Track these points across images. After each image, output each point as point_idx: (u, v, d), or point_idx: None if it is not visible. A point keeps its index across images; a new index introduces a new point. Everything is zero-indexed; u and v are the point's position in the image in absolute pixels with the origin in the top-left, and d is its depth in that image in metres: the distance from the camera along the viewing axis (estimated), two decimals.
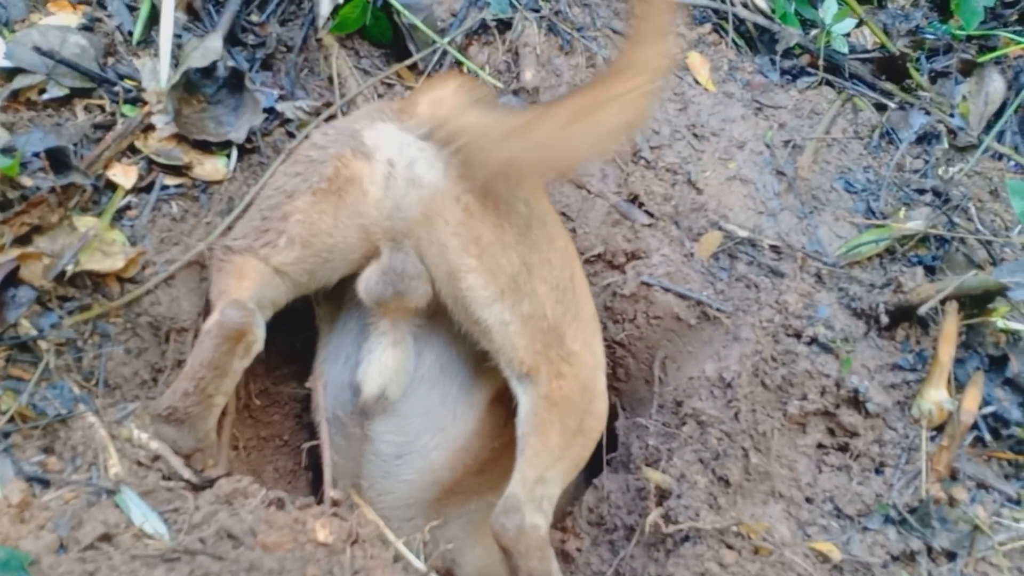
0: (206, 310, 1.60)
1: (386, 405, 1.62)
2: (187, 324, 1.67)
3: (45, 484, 1.36)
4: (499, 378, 1.60)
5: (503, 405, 1.63)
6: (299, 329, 1.89)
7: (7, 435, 1.38)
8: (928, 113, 2.37)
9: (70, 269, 1.50)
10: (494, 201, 1.49)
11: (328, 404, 1.68)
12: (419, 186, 1.50)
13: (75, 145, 1.74)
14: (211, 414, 1.48)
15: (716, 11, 2.43)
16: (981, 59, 2.55)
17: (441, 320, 1.61)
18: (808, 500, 1.73)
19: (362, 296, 1.56)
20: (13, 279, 1.45)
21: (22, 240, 1.48)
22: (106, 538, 1.30)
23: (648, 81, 1.37)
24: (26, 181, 1.55)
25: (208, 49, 1.90)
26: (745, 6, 2.45)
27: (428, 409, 1.62)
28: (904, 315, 1.82)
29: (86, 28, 1.95)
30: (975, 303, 1.79)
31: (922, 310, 1.74)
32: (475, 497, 1.71)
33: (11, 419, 1.39)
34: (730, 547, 1.58)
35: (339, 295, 1.70)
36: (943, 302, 1.75)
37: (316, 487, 1.98)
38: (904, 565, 1.62)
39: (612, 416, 2.00)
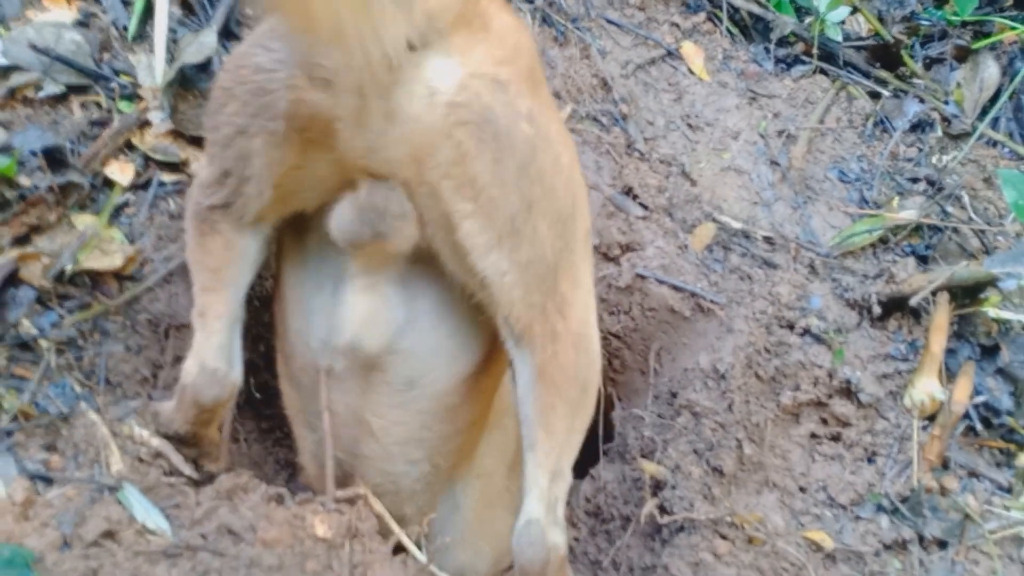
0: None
1: (372, 359, 1.42)
2: (185, 320, 1.68)
3: (48, 482, 1.38)
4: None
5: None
6: None
7: (10, 433, 1.40)
8: (922, 101, 2.38)
9: (69, 268, 1.52)
10: (492, 130, 1.20)
11: (305, 351, 1.47)
12: (401, 120, 1.18)
13: (72, 142, 1.75)
14: (209, 437, 1.49)
15: (711, 0, 2.43)
16: (976, 45, 2.56)
17: (431, 263, 1.37)
18: (802, 489, 1.75)
19: (333, 235, 1.30)
20: (13, 279, 1.46)
21: (21, 240, 1.49)
22: (109, 535, 1.32)
23: None
24: (24, 181, 1.57)
25: (203, 44, 1.91)
26: None
27: (436, 344, 1.45)
28: (896, 305, 1.84)
29: (81, 24, 1.95)
30: (967, 293, 1.81)
31: (913, 301, 1.76)
32: (476, 459, 1.64)
33: (14, 418, 1.41)
34: (724, 537, 1.60)
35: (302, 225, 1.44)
36: (934, 293, 1.77)
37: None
38: (896, 554, 1.64)
39: (608, 406, 2.02)
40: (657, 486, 1.71)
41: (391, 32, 1.10)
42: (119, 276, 1.62)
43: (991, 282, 1.75)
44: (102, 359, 1.55)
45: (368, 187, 1.25)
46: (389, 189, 1.25)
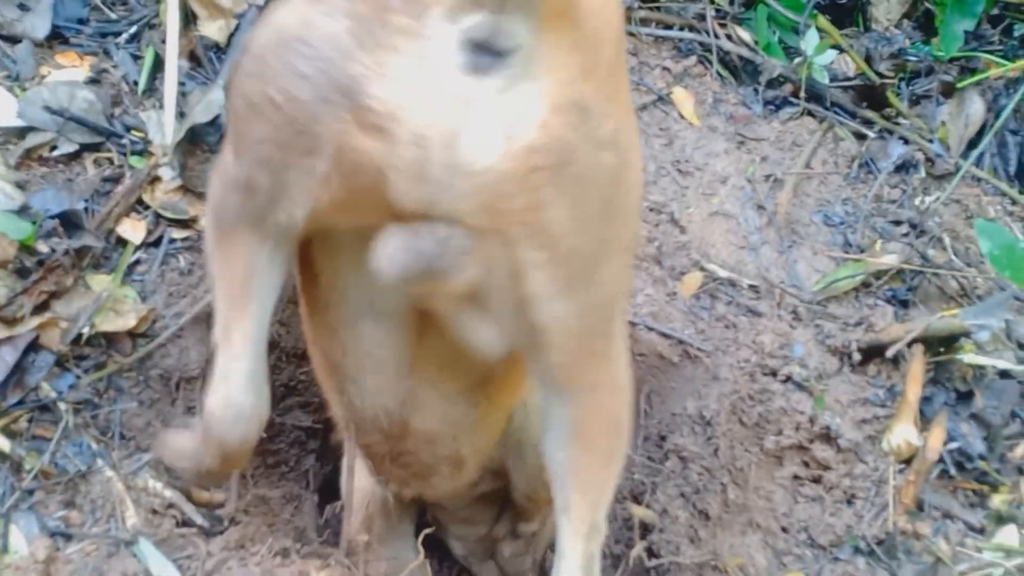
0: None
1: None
2: (195, 373, 1.78)
3: (67, 538, 1.47)
4: None
5: None
6: (304, 360, 1.99)
7: (31, 492, 1.49)
8: (907, 142, 2.44)
9: (86, 332, 1.60)
10: (574, 172, 1.02)
11: (354, 366, 1.37)
12: (469, 173, 0.98)
13: (86, 201, 1.83)
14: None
15: (701, 43, 2.50)
16: (961, 84, 2.62)
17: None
18: (784, 530, 1.83)
19: (377, 269, 1.07)
20: (33, 345, 1.55)
21: (40, 307, 1.58)
22: None
23: None
24: (41, 247, 1.65)
25: (211, 103, 1.99)
26: (729, 38, 2.53)
27: None
28: (876, 352, 1.92)
29: (93, 80, 2.04)
30: (942, 342, 1.89)
31: (889, 352, 1.84)
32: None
33: (35, 477, 1.50)
34: None
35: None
36: (910, 344, 1.85)
37: (321, 507, 2.09)
38: None
39: None
40: (646, 529, 1.80)
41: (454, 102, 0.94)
42: (132, 334, 1.71)
43: (964, 334, 1.83)
44: (116, 415, 1.64)
45: (424, 225, 1.03)
46: (447, 227, 1.03)
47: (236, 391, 1.20)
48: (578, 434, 1.25)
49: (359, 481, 1.71)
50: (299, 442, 2.23)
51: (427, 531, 1.66)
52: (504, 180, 0.98)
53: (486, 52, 0.94)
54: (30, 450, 1.51)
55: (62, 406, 1.56)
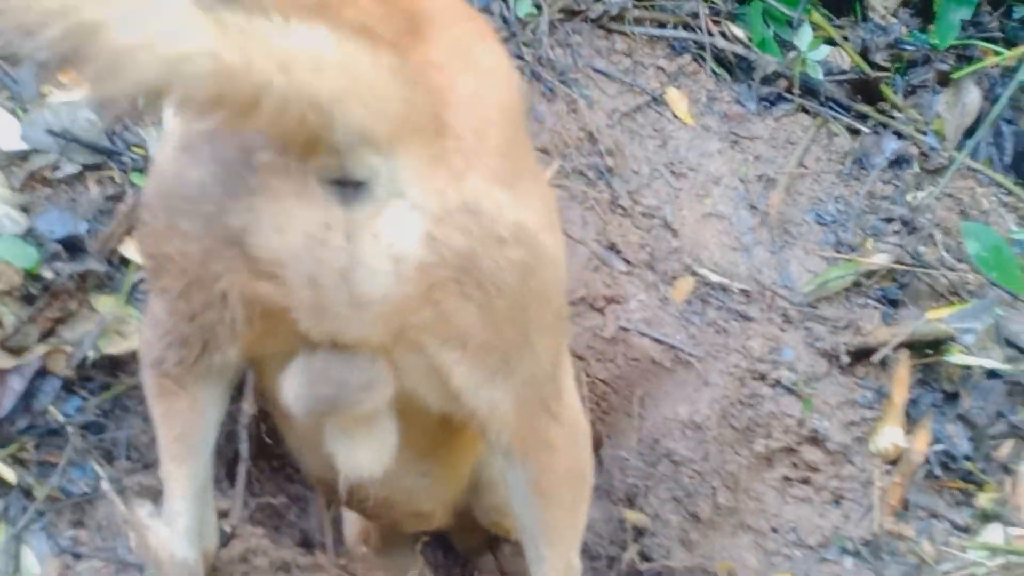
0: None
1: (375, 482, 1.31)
2: None
3: (77, 557, 1.54)
4: None
5: None
6: None
7: (42, 514, 1.56)
8: (901, 136, 2.46)
9: (91, 355, 1.66)
10: (475, 278, 1.01)
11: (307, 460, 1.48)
12: (368, 304, 0.97)
13: (89, 221, 1.88)
14: None
15: (696, 42, 2.52)
16: (958, 74, 2.63)
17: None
18: (774, 530, 1.88)
19: (288, 405, 1.08)
20: (41, 371, 1.61)
21: (46, 334, 1.63)
22: None
23: None
24: (46, 272, 1.70)
25: None
26: (723, 35, 2.54)
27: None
28: (864, 355, 1.95)
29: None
30: (929, 344, 1.92)
31: (875, 358, 1.88)
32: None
33: (45, 499, 1.56)
34: None
35: None
36: (896, 348, 1.88)
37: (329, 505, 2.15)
38: None
39: (597, 443, 2.15)
40: (638, 532, 1.85)
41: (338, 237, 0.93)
42: (136, 354, 1.76)
43: (950, 338, 1.86)
44: (123, 434, 1.70)
45: (324, 357, 1.04)
46: (349, 358, 1.04)
47: (179, 548, 1.25)
48: (540, 493, 1.27)
49: None
50: None
51: (425, 539, 1.72)
52: (405, 302, 0.98)
53: (347, 184, 0.92)
54: (39, 476, 1.57)
55: (69, 429, 1.62)
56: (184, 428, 1.22)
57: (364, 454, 1.17)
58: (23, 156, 1.94)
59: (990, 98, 2.66)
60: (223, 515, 1.84)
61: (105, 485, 1.59)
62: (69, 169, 1.96)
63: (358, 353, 1.03)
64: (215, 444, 1.27)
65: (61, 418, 1.62)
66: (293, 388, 1.06)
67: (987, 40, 2.72)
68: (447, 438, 1.43)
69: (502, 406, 1.14)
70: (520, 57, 2.33)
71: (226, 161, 0.94)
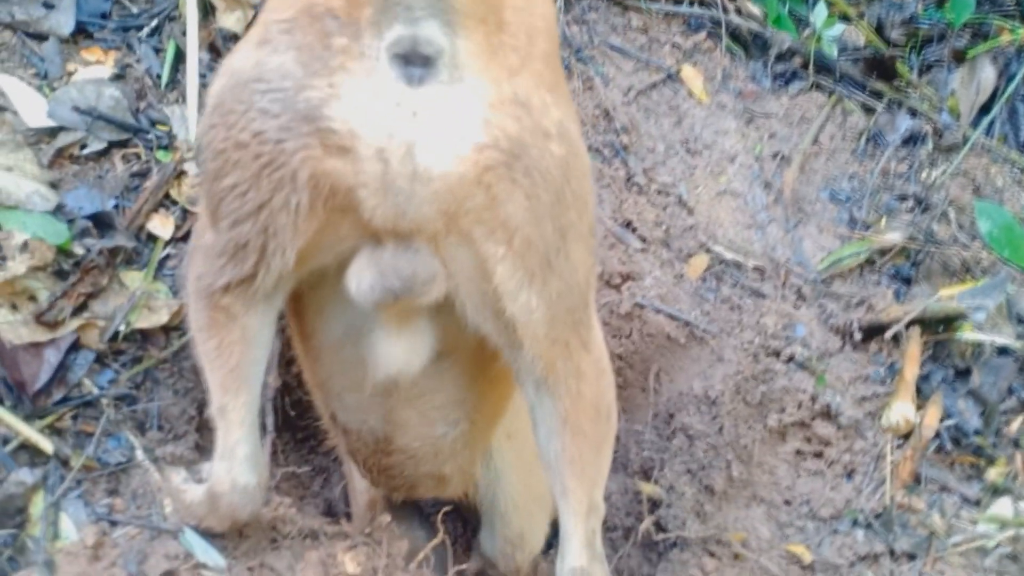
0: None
1: (402, 390, 1.43)
2: None
3: (113, 524, 1.59)
4: None
5: None
6: None
7: (80, 483, 1.61)
8: (915, 114, 2.47)
9: (122, 329, 1.70)
10: (523, 165, 1.09)
11: (339, 385, 1.50)
12: (428, 179, 1.06)
13: (116, 198, 1.92)
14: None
15: (711, 18, 2.53)
16: (972, 52, 2.64)
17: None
18: (787, 502, 1.93)
19: (354, 296, 1.18)
20: (75, 345, 1.65)
21: (79, 308, 1.67)
22: (170, 573, 1.52)
23: None
24: (77, 248, 1.74)
25: None
26: (739, 12, 2.55)
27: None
28: (876, 331, 1.99)
29: (118, 76, 2.11)
30: (941, 322, 1.95)
31: (888, 334, 1.91)
32: (507, 418, 1.64)
33: (80, 468, 1.61)
34: (712, 555, 1.79)
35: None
36: (908, 325, 1.92)
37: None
38: (869, 565, 1.82)
39: None
40: (654, 504, 1.90)
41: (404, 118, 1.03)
42: (165, 328, 1.80)
43: (960, 315, 1.89)
44: (154, 405, 1.75)
45: (392, 250, 1.13)
46: (415, 252, 1.14)
47: (241, 474, 1.34)
48: (566, 423, 1.31)
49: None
50: None
51: (446, 508, 1.77)
52: (461, 182, 1.07)
53: (415, 63, 1.02)
54: (75, 446, 1.62)
55: (103, 401, 1.67)
56: (238, 359, 1.28)
57: (402, 349, 1.28)
58: (51, 133, 1.97)
59: (1005, 75, 2.67)
60: None
61: (139, 454, 1.64)
62: (96, 147, 1.99)
63: (419, 247, 1.13)
64: (264, 375, 1.34)
65: (95, 390, 1.67)
66: (365, 279, 1.16)
67: (1003, 16, 2.72)
68: (478, 388, 1.49)
69: (537, 314, 1.20)
70: None
71: (305, 46, 1.04)
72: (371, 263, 1.15)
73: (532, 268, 1.16)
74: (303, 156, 1.06)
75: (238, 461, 1.34)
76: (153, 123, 2.07)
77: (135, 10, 2.24)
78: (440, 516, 1.75)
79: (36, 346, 1.61)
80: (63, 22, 2.14)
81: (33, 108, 1.98)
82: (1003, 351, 1.99)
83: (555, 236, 1.16)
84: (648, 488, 1.90)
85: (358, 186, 1.07)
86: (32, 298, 1.65)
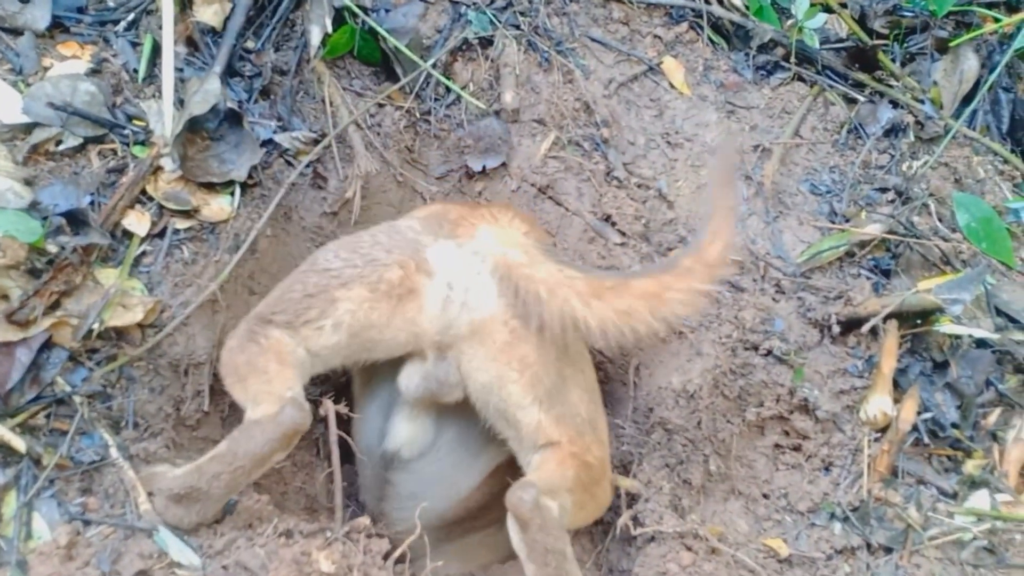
0: (232, 376, 1.68)
1: (401, 462, 1.82)
2: (202, 358, 1.87)
3: (87, 523, 1.59)
4: (507, 450, 1.78)
5: (506, 469, 1.81)
6: None
7: (53, 482, 1.60)
8: (897, 105, 2.46)
9: (96, 327, 1.69)
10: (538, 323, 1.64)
11: (362, 441, 1.87)
12: (472, 310, 1.65)
13: (92, 194, 1.91)
14: (227, 497, 1.60)
15: (693, 10, 2.52)
16: (955, 42, 2.63)
17: (466, 404, 1.77)
18: (765, 496, 1.93)
19: (401, 390, 1.74)
20: (47, 343, 1.65)
21: (52, 307, 1.67)
22: (143, 574, 1.52)
23: (708, 282, 1.59)
24: (50, 246, 1.73)
25: (208, 92, 2.05)
26: (721, 3, 2.54)
27: (441, 470, 1.81)
28: (854, 325, 1.98)
29: (94, 71, 2.10)
30: (919, 315, 1.95)
31: (865, 328, 1.91)
32: (477, 529, 1.91)
33: (55, 467, 1.61)
34: (689, 548, 1.78)
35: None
36: (886, 319, 1.91)
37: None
38: (846, 558, 1.82)
39: None
40: (632, 499, 1.90)
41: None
42: (141, 325, 1.80)
43: (937, 309, 1.89)
44: (129, 403, 1.74)
45: (433, 361, 1.69)
46: (448, 364, 1.69)
47: (292, 395, 1.58)
48: (566, 453, 1.67)
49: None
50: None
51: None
52: (493, 319, 1.66)
53: None
54: (47, 445, 1.62)
55: (77, 399, 1.66)
56: (267, 366, 1.63)
57: (405, 434, 1.80)
58: (25, 129, 1.96)
59: (988, 65, 2.66)
60: None
61: (114, 452, 1.63)
62: (71, 143, 1.98)
63: (450, 362, 1.70)
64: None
65: (68, 388, 1.66)
66: (410, 379, 1.73)
67: (987, 6, 2.71)
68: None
69: (543, 422, 1.68)
70: (516, 27, 2.33)
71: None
72: (417, 369, 1.75)
73: (539, 395, 1.68)
74: (401, 261, 1.71)
75: (286, 390, 1.58)
76: (130, 118, 2.06)
77: (112, 3, 2.23)
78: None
79: (7, 345, 1.60)
80: (39, 16, 2.13)
81: (7, 104, 1.97)
82: (981, 343, 1.99)
83: (558, 378, 1.68)
84: (626, 482, 1.90)
85: (427, 298, 1.71)
86: (4, 297, 1.65)
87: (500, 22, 2.32)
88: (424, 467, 1.82)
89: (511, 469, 1.78)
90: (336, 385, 2.21)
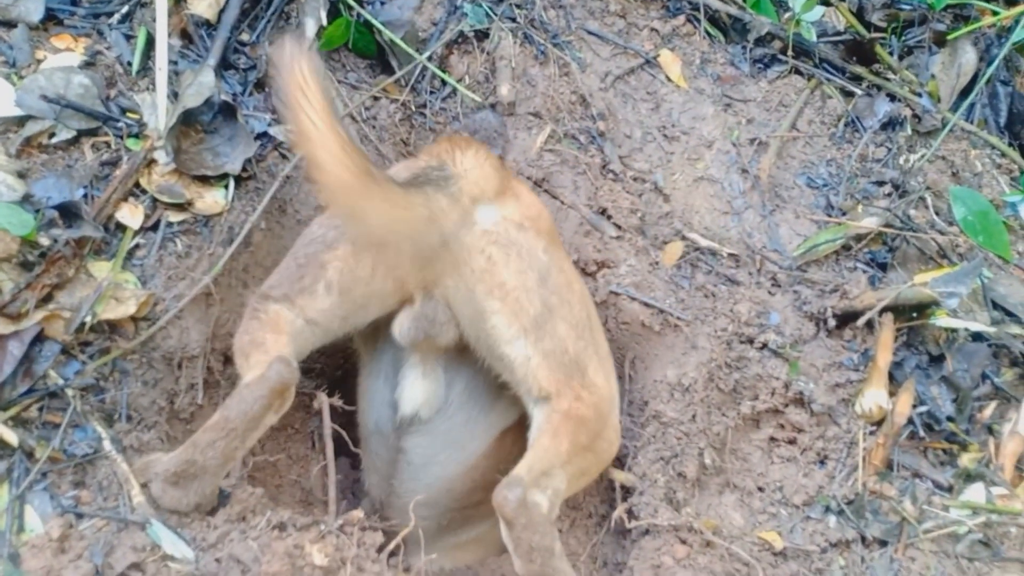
0: (231, 355, 1.74)
1: (419, 424, 1.82)
2: (196, 352, 1.87)
3: (79, 516, 1.58)
4: (514, 411, 1.79)
5: (513, 435, 1.82)
6: None
7: (45, 475, 1.60)
8: (894, 98, 2.46)
9: (89, 320, 1.69)
10: (516, 249, 1.67)
11: (372, 418, 1.89)
12: (450, 246, 1.65)
13: (85, 187, 1.90)
14: (224, 470, 1.60)
15: (690, 2, 2.51)
16: (953, 35, 2.62)
17: (470, 352, 1.78)
18: (760, 489, 1.92)
19: (396, 338, 1.75)
20: (39, 336, 1.64)
21: (44, 299, 1.66)
22: (136, 567, 1.52)
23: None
24: (43, 239, 1.73)
25: (202, 85, 2.04)
26: None
27: (452, 428, 1.81)
28: (850, 318, 1.98)
29: (88, 64, 2.09)
30: (914, 308, 1.94)
31: (860, 321, 1.90)
32: (476, 520, 1.91)
33: (46, 460, 1.60)
34: (683, 542, 1.78)
35: (374, 325, 1.84)
36: (882, 312, 1.91)
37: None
38: (841, 552, 1.82)
39: None
40: (627, 492, 1.90)
41: (449, 219, 1.61)
42: (134, 318, 1.79)
43: (933, 302, 1.88)
44: (123, 396, 1.74)
45: (421, 303, 1.71)
46: (435, 302, 1.70)
47: (282, 354, 1.59)
48: (560, 414, 1.65)
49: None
50: (304, 405, 2.32)
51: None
52: (470, 248, 1.66)
53: None
54: (40, 438, 1.61)
55: (69, 392, 1.66)
56: (263, 336, 1.65)
57: (420, 392, 1.81)
58: (19, 122, 1.95)
59: (986, 58, 2.65)
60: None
61: (107, 445, 1.63)
62: (65, 135, 1.97)
63: (438, 300, 1.70)
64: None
65: (61, 381, 1.66)
66: (402, 325, 1.74)
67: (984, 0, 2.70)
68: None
69: (533, 361, 1.67)
70: (512, 19, 2.33)
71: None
72: (407, 314, 1.74)
73: (523, 324, 1.67)
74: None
75: (277, 351, 1.60)
76: (123, 111, 2.05)
77: None
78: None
79: None
80: (32, 9, 2.12)
81: (0, 97, 1.96)
82: (977, 337, 1.98)
83: (542, 308, 1.67)
84: (621, 476, 1.90)
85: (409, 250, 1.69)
86: None
87: (496, 15, 2.31)
88: (438, 425, 1.82)
89: (516, 447, 1.76)
90: (331, 380, 2.21)
